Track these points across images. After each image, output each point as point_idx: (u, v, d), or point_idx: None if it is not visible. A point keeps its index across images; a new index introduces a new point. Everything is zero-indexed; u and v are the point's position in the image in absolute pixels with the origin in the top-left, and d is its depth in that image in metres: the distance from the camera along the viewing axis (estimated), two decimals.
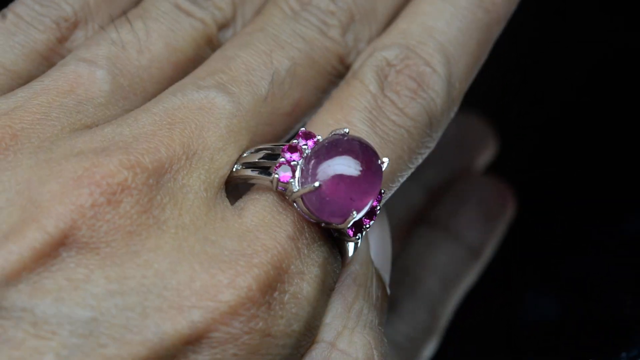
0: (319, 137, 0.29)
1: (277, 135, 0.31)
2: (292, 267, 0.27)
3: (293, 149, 0.29)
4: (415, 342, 0.41)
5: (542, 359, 0.41)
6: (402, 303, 0.41)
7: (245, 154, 0.30)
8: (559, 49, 0.37)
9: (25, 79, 0.31)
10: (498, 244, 0.43)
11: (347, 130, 0.28)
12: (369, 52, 0.32)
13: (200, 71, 0.31)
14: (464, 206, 0.44)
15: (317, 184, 0.27)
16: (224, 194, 0.29)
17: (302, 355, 0.28)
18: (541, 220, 0.44)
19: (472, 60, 0.32)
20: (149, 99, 0.31)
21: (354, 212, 0.27)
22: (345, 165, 0.28)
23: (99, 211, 0.25)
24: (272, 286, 0.27)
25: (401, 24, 0.33)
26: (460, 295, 0.42)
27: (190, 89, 0.30)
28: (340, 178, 0.27)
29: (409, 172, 0.32)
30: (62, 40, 0.32)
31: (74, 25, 0.32)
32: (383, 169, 0.28)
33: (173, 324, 0.25)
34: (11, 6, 0.32)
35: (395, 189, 0.32)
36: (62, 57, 0.32)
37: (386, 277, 0.31)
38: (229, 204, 0.29)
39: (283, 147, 0.29)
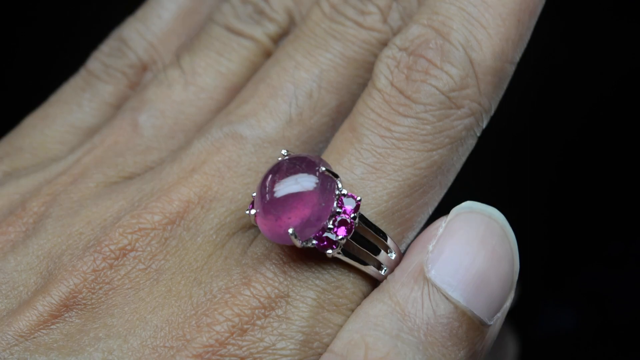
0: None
1: (324, 150, 0.31)
2: (275, 291, 0.27)
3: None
4: None
5: None
6: None
7: None
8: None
9: (97, 132, 0.32)
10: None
11: (284, 152, 0.28)
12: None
13: (232, 104, 0.31)
14: None
15: (252, 211, 0.27)
16: (248, 234, 0.29)
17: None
18: (559, 233, 0.44)
19: (502, 10, 0.30)
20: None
21: (290, 229, 0.27)
22: (277, 190, 0.27)
23: (99, 275, 0.28)
24: (247, 314, 0.27)
25: (424, 1, 0.31)
26: None
27: (216, 127, 0.30)
28: (271, 200, 0.27)
29: (453, 154, 0.30)
30: (132, 85, 0.33)
31: (143, 69, 0.34)
32: (324, 171, 0.28)
33: None
34: (86, 62, 0.34)
35: (444, 176, 0.30)
36: None
37: (455, 294, 0.28)
38: (246, 242, 0.29)
39: None
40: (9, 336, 0.27)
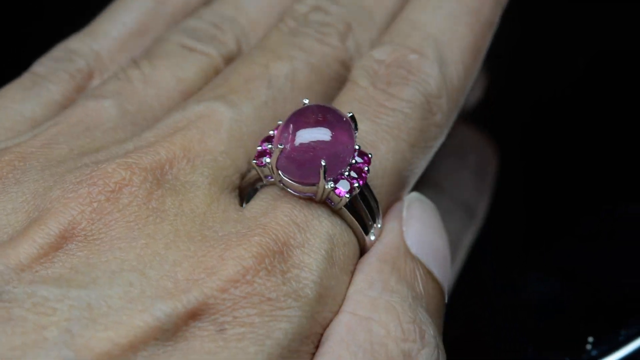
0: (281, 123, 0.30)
1: None
2: (292, 240, 0.28)
3: (268, 139, 0.30)
4: None
5: (542, 339, 0.41)
6: None
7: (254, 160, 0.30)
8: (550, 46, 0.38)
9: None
10: (500, 227, 0.43)
11: (306, 101, 0.29)
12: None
13: (203, 89, 0.33)
14: (457, 168, 0.44)
15: (280, 145, 0.28)
16: (233, 195, 0.30)
17: (324, 327, 0.28)
18: (543, 204, 0.45)
19: (465, 42, 0.33)
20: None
21: (322, 161, 0.28)
22: (311, 131, 0.28)
23: (97, 207, 0.27)
24: (268, 255, 0.27)
25: (392, 25, 0.34)
26: (462, 257, 0.42)
27: (193, 102, 0.31)
28: (302, 137, 0.28)
29: (421, 158, 0.32)
30: (79, 89, 0.34)
31: (89, 76, 0.35)
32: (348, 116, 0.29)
33: (171, 301, 0.26)
34: (31, 67, 0.35)
35: (412, 175, 0.32)
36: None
37: (435, 270, 0.31)
38: (236, 202, 0.30)
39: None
40: (8, 269, 0.26)
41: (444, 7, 0.34)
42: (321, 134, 0.28)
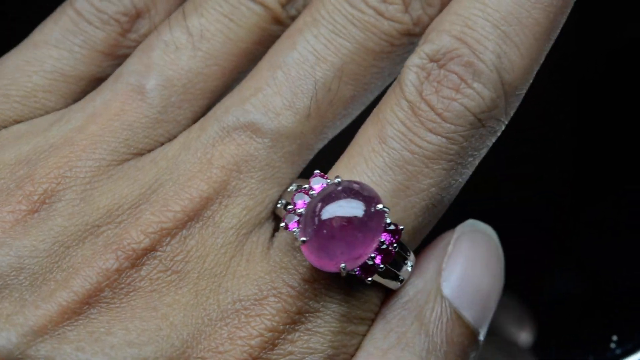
0: (327, 181, 0.29)
1: (328, 134, 0.31)
2: (305, 307, 0.28)
3: (302, 195, 0.29)
4: None
5: (566, 338, 0.41)
6: None
7: (290, 188, 0.30)
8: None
9: (88, 80, 0.32)
10: (523, 225, 0.43)
11: (339, 180, 0.28)
12: (422, 41, 0.30)
13: (245, 87, 0.31)
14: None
15: (303, 239, 0.27)
16: (265, 228, 0.29)
17: None
18: (567, 201, 0.44)
19: (536, 31, 0.29)
20: (209, 99, 0.31)
21: (343, 265, 0.27)
22: (333, 216, 0.27)
23: (122, 275, 0.28)
24: (277, 330, 0.27)
25: (453, 5, 0.30)
26: None
27: (232, 114, 0.30)
28: (327, 233, 0.27)
29: (468, 170, 0.30)
30: (124, 33, 0.32)
31: (136, 16, 0.32)
32: (385, 212, 0.27)
33: None
34: (74, 2, 0.33)
35: (455, 191, 0.30)
36: (128, 48, 0.32)
37: (467, 313, 0.29)
38: (265, 239, 0.29)
39: (296, 191, 0.29)
40: (30, 331, 0.26)
41: None
42: (343, 238, 0.27)
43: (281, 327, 0.27)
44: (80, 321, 0.27)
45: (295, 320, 0.28)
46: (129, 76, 0.31)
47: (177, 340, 0.27)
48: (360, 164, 0.29)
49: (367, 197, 0.27)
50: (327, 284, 0.28)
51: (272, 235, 0.30)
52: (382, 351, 0.28)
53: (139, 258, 0.28)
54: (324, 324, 0.28)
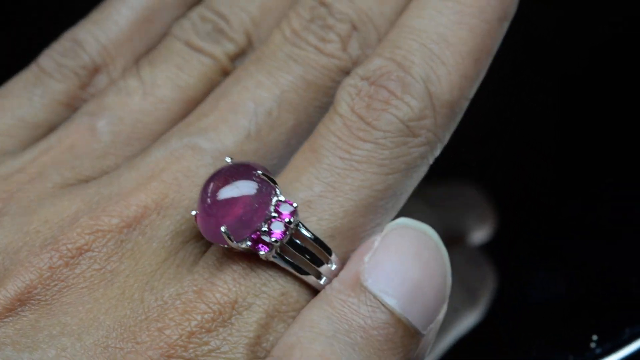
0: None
1: (277, 167, 0.32)
2: (224, 298, 0.29)
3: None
4: None
5: (546, 337, 0.41)
6: None
7: None
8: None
9: (46, 128, 0.34)
10: (505, 225, 0.43)
11: (228, 160, 0.30)
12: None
13: (191, 116, 0.32)
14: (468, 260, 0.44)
15: (193, 212, 0.29)
16: (200, 243, 0.30)
17: None
18: (550, 200, 0.44)
19: (465, 48, 0.31)
20: (156, 140, 0.32)
21: (223, 227, 0.28)
22: (215, 192, 0.29)
23: (55, 272, 0.29)
24: (199, 330, 0.28)
25: (390, 31, 0.32)
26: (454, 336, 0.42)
27: (175, 138, 0.31)
28: (207, 202, 0.29)
29: (406, 180, 0.31)
30: (83, 86, 0.34)
31: (95, 71, 0.35)
32: (258, 174, 0.29)
33: None
34: (37, 59, 0.35)
35: (395, 200, 0.31)
36: (86, 101, 0.34)
37: (392, 301, 0.29)
38: (199, 252, 0.30)
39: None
40: None
41: (443, 10, 0.32)
42: (222, 197, 0.29)
43: (199, 317, 0.28)
44: (11, 318, 0.28)
45: (214, 310, 0.28)
46: (82, 116, 0.33)
47: (97, 331, 0.28)
48: (292, 171, 0.31)
49: (242, 166, 0.29)
50: (245, 274, 0.29)
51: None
52: (288, 337, 0.28)
53: (74, 257, 0.29)
54: (239, 316, 0.28)
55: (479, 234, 0.44)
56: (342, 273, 0.30)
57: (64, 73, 0.34)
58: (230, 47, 0.34)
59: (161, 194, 0.30)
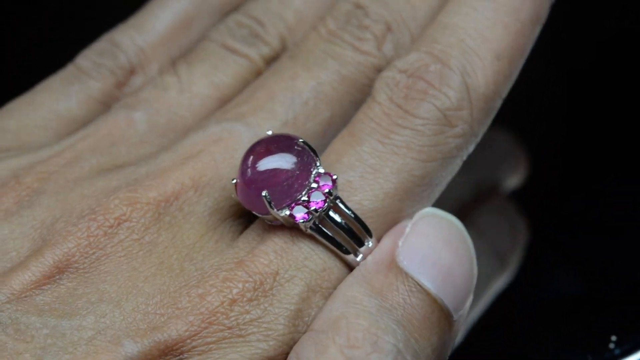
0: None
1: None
2: (266, 269, 0.29)
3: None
4: None
5: (564, 337, 0.41)
6: None
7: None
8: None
9: (81, 124, 0.35)
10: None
11: (269, 132, 0.30)
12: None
13: (228, 104, 0.33)
14: (496, 216, 0.44)
15: (233, 181, 0.30)
16: (237, 222, 0.31)
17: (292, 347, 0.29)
18: (567, 198, 0.44)
19: (500, 45, 0.32)
20: None
21: (264, 192, 0.29)
22: (257, 164, 0.30)
23: (93, 241, 0.29)
24: (240, 295, 0.28)
25: (426, 29, 0.33)
26: (489, 300, 0.42)
27: (213, 122, 0.32)
28: (248, 170, 0.30)
29: (443, 170, 0.31)
30: (119, 85, 0.35)
31: (131, 72, 0.35)
32: (300, 142, 0.30)
33: (138, 337, 0.27)
34: (75, 59, 0.36)
35: (430, 189, 0.31)
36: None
37: (428, 283, 0.30)
38: (237, 230, 0.31)
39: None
40: (1, 295, 0.28)
41: (479, 8, 0.32)
42: (265, 166, 0.29)
43: (240, 285, 0.28)
44: (50, 286, 0.28)
45: (255, 280, 0.29)
46: (119, 109, 0.34)
47: (136, 298, 0.28)
48: (332, 154, 0.31)
49: (284, 136, 0.30)
50: (286, 247, 0.29)
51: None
52: (329, 312, 0.29)
53: (112, 227, 0.29)
54: (280, 287, 0.29)
55: (512, 181, 0.44)
56: (376, 254, 0.30)
57: (101, 72, 0.35)
58: (265, 50, 0.35)
59: (199, 173, 0.31)
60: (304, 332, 0.29)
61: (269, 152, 0.29)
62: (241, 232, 0.31)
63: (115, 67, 0.35)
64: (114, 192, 0.30)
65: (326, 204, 0.29)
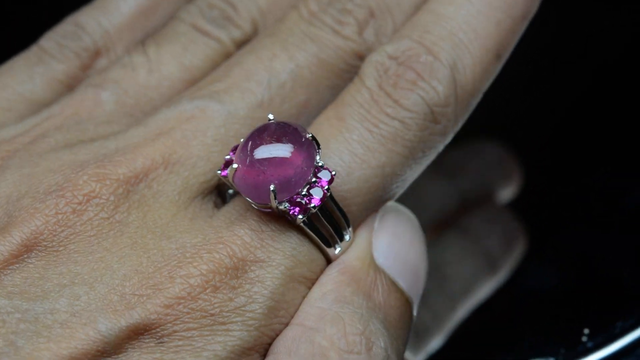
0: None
1: None
2: (250, 256, 0.28)
3: (237, 148, 0.30)
4: (430, 330, 0.41)
5: (539, 327, 0.41)
6: (429, 293, 0.42)
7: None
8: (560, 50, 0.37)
9: (44, 106, 0.33)
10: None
11: (270, 117, 0.29)
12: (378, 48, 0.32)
13: (202, 81, 0.32)
14: (489, 219, 0.44)
15: (234, 165, 0.29)
16: (208, 199, 0.30)
17: (273, 338, 0.28)
18: (544, 192, 0.44)
19: (489, 42, 0.32)
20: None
21: (272, 186, 0.28)
22: (264, 152, 0.29)
23: (62, 219, 0.28)
24: (220, 272, 0.28)
25: (416, 15, 0.33)
26: (473, 303, 0.42)
27: (186, 99, 0.31)
28: (254, 157, 0.28)
29: (417, 167, 0.31)
30: (84, 68, 0.34)
31: (96, 54, 0.34)
32: (308, 136, 0.29)
33: (114, 317, 0.27)
34: (39, 40, 0.35)
35: (402, 185, 0.31)
36: None
37: (401, 281, 0.31)
38: (209, 207, 0.30)
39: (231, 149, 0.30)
40: None
41: (474, 0, 0.32)
42: (273, 156, 0.28)
43: (223, 270, 0.28)
44: (17, 267, 0.27)
45: (238, 267, 0.28)
46: (86, 88, 0.33)
47: (111, 280, 0.27)
48: (318, 136, 0.30)
49: (298, 128, 0.29)
50: (274, 236, 0.29)
51: (214, 206, 0.30)
52: (321, 309, 0.28)
53: (80, 203, 0.28)
54: (267, 275, 0.28)
55: (506, 192, 0.44)
56: (355, 249, 0.30)
57: (65, 54, 0.34)
58: (237, 34, 0.34)
59: (169, 149, 0.30)
60: (287, 323, 0.29)
61: (279, 140, 0.29)
62: (212, 209, 0.30)
63: (79, 49, 0.34)
64: (81, 167, 0.29)
65: (324, 201, 0.29)
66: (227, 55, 0.33)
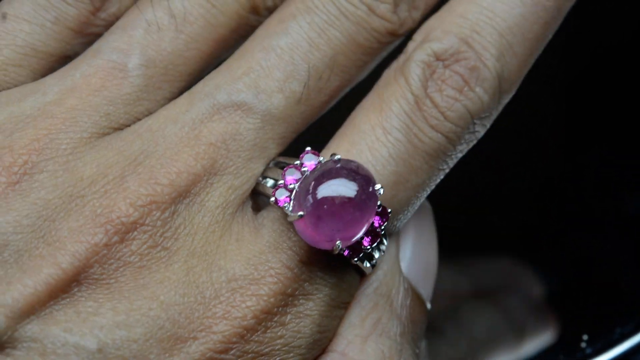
0: (321, 159, 0.29)
1: (311, 121, 0.31)
2: (299, 290, 0.28)
3: (294, 171, 0.29)
4: None
5: (536, 336, 0.41)
6: (447, 330, 0.41)
7: (271, 165, 0.30)
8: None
9: (57, 57, 0.31)
10: (496, 222, 0.43)
11: (338, 157, 0.28)
12: (421, 39, 0.31)
13: (235, 66, 0.31)
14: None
15: (300, 213, 0.27)
16: (246, 207, 0.29)
17: None
18: (544, 195, 0.44)
19: (533, 47, 0.31)
20: (186, 82, 0.31)
21: (339, 243, 0.27)
22: (334, 194, 0.27)
23: (111, 250, 0.27)
24: (272, 312, 0.27)
25: (458, 6, 0.31)
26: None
27: (223, 92, 0.30)
28: (327, 209, 0.27)
29: (445, 172, 0.31)
30: (94, 11, 0.32)
31: None
32: (379, 194, 0.28)
33: (172, 358, 0.26)
34: None
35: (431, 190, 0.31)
36: (97, 27, 0.32)
37: (423, 292, 0.31)
38: (250, 218, 0.29)
39: (285, 167, 0.29)
40: (18, 312, 0.26)
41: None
42: (342, 216, 0.27)
43: (275, 309, 0.27)
44: (68, 300, 0.26)
45: (288, 302, 0.28)
46: (111, 53, 0.30)
47: (167, 321, 0.26)
48: (365, 151, 0.29)
49: (365, 177, 0.28)
50: (322, 267, 0.28)
51: (252, 213, 0.30)
52: (362, 338, 0.28)
53: (128, 232, 0.27)
54: (315, 308, 0.28)
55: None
56: (386, 262, 0.30)
57: None
58: None
59: (210, 159, 0.29)
60: (325, 348, 0.28)
61: (355, 208, 0.27)
62: (252, 219, 0.29)
63: None
64: (122, 179, 0.28)
65: (378, 241, 0.29)
66: (254, 9, 0.32)
